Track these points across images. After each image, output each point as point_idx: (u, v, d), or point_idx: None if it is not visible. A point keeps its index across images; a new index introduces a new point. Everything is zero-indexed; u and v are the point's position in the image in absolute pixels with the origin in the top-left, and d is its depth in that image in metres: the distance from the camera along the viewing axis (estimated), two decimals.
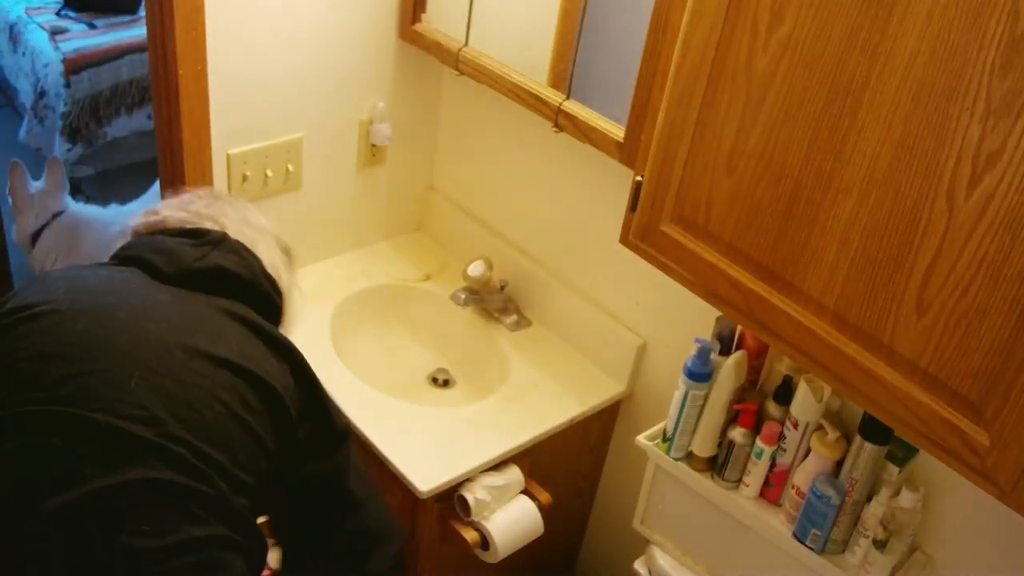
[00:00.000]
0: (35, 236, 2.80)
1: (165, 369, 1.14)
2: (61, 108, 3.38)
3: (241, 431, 1.16)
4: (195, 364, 1.16)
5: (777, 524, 1.49)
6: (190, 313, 1.23)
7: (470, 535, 1.67)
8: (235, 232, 1.35)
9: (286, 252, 1.44)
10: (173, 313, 1.21)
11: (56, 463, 1.06)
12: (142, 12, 2.81)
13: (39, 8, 3.69)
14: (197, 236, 1.31)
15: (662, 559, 1.67)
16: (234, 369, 1.18)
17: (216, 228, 1.34)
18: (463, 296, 2.00)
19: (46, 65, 3.41)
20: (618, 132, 1.57)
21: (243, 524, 1.14)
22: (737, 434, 1.50)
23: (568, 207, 1.89)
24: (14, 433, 1.08)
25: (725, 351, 1.52)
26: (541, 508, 1.74)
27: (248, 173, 1.84)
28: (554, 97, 1.68)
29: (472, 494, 1.65)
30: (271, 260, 1.37)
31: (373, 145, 2.02)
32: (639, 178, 1.31)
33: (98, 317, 1.18)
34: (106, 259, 1.35)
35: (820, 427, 1.43)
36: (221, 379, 1.17)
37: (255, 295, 1.30)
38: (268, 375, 1.21)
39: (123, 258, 1.30)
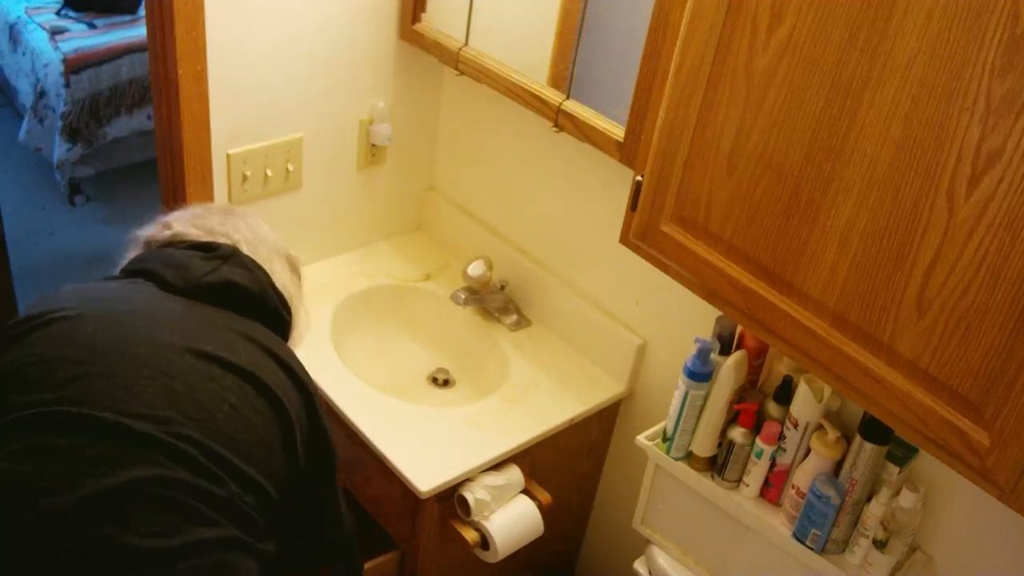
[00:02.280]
0: None
1: (174, 371, 1.15)
2: (61, 108, 3.38)
3: (250, 433, 1.17)
4: (203, 367, 1.17)
5: (777, 524, 1.49)
6: (200, 321, 1.24)
7: (470, 535, 1.67)
8: (247, 247, 1.37)
9: (295, 271, 1.45)
10: (183, 320, 1.23)
11: (63, 462, 1.06)
12: (142, 12, 2.81)
13: (39, 8, 3.69)
14: (208, 249, 1.33)
15: (662, 559, 1.67)
16: (242, 375, 1.20)
17: (228, 243, 1.36)
18: (463, 296, 2.00)
19: (46, 65, 3.41)
20: (618, 132, 1.57)
21: (254, 525, 1.14)
22: (737, 434, 1.50)
23: (568, 207, 1.89)
24: (21, 434, 1.07)
25: (725, 351, 1.52)
26: (541, 508, 1.74)
27: (248, 173, 1.84)
28: (554, 97, 1.68)
29: (472, 494, 1.65)
30: (281, 277, 1.39)
31: (373, 145, 2.02)
32: (639, 178, 1.31)
33: (108, 322, 1.19)
34: (115, 272, 1.36)
35: (820, 427, 1.43)
36: (230, 383, 1.18)
37: (264, 309, 1.32)
38: (275, 386, 1.22)
39: (133, 271, 1.32)
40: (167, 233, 1.38)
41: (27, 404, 1.09)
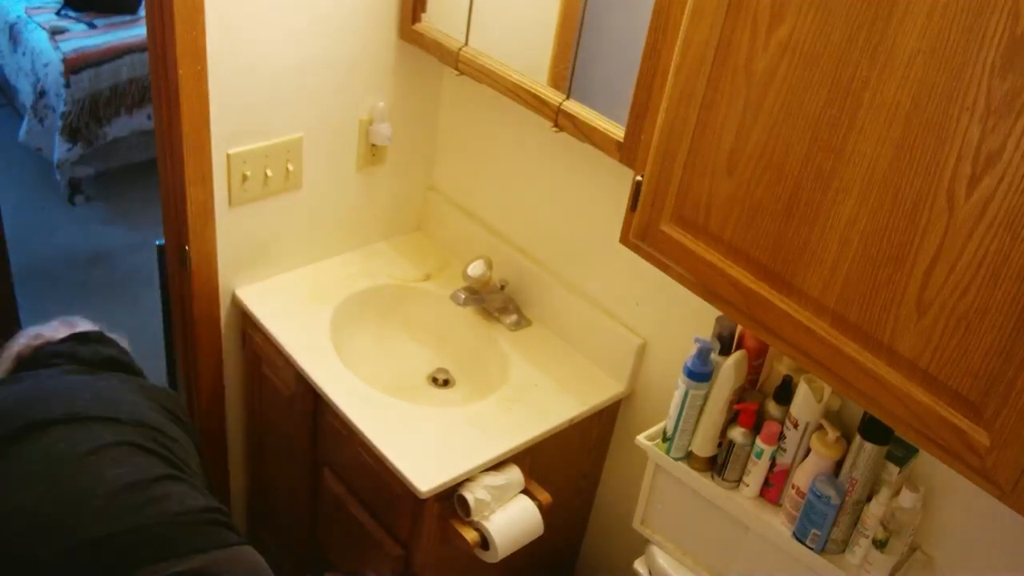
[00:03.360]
0: None
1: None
2: (61, 108, 3.38)
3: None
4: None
5: (777, 524, 1.50)
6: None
7: (470, 535, 1.67)
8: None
9: None
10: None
11: None
12: (142, 12, 2.81)
13: (39, 8, 3.69)
14: (85, 341, 1.61)
15: (662, 559, 1.67)
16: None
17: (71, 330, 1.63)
18: (463, 296, 2.00)
19: (46, 65, 3.41)
20: (618, 132, 1.57)
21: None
22: (737, 434, 1.50)
23: (568, 207, 1.89)
24: None
25: (725, 351, 1.52)
26: (541, 508, 1.73)
27: (248, 173, 1.84)
28: (554, 97, 1.68)
29: (472, 494, 1.65)
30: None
31: (373, 145, 2.02)
32: (639, 178, 1.31)
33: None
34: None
35: (820, 427, 1.43)
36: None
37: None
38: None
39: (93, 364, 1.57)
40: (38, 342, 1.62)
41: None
